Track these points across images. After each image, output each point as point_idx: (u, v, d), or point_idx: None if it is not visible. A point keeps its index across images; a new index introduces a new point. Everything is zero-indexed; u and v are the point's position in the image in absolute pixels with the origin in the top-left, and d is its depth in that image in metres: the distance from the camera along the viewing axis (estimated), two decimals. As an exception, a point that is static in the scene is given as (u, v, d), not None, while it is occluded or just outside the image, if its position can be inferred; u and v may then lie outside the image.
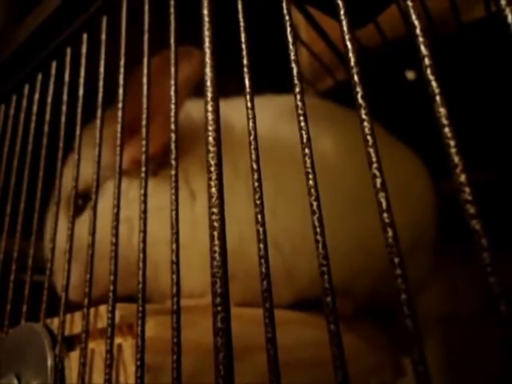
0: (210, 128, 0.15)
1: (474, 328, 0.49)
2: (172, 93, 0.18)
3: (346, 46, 0.12)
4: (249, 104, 0.15)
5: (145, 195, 0.17)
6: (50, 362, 0.18)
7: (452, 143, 0.10)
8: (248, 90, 0.15)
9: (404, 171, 0.38)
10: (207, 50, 0.17)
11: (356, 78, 0.12)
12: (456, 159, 0.09)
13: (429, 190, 0.41)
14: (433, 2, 0.34)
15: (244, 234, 0.30)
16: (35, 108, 0.28)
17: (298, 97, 0.13)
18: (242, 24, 0.16)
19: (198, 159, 0.32)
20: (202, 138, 0.32)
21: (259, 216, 0.13)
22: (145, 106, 0.19)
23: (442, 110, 0.10)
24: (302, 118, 0.13)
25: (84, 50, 0.25)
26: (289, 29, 0.14)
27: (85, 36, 0.25)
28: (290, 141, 0.33)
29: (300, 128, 0.13)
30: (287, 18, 0.14)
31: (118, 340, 0.18)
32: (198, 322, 0.22)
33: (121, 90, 0.21)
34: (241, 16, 0.16)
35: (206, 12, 0.17)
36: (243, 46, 0.16)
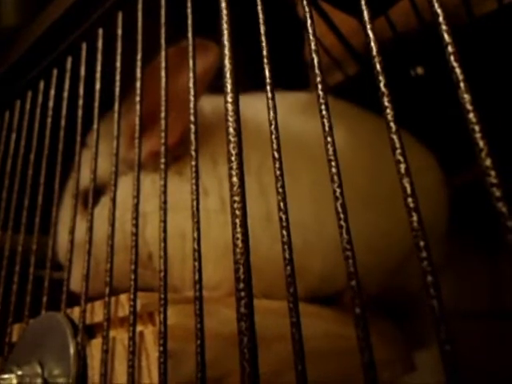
0: (231, 119, 0.15)
1: (482, 322, 0.49)
2: (191, 84, 0.18)
3: (367, 35, 0.13)
4: (269, 94, 0.15)
5: (165, 186, 0.18)
6: (72, 350, 0.19)
7: (477, 128, 0.10)
8: (268, 80, 0.15)
9: (414, 165, 0.38)
10: (226, 43, 0.17)
11: (378, 66, 0.12)
12: (481, 144, 0.10)
13: (440, 185, 0.41)
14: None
15: (254, 230, 0.30)
16: (51, 103, 0.28)
17: (320, 86, 0.13)
18: (261, 16, 0.16)
19: (209, 155, 0.32)
20: (213, 134, 0.33)
21: (281, 204, 0.13)
22: (163, 99, 0.20)
23: (467, 96, 0.10)
24: (323, 106, 0.13)
25: (100, 44, 0.25)
26: (309, 21, 0.14)
27: (100, 31, 0.26)
28: (302, 136, 0.34)
29: (322, 116, 0.13)
30: (307, 9, 0.15)
31: (139, 328, 0.19)
32: (215, 312, 0.22)
33: (138, 84, 0.22)
34: (260, 8, 0.16)
35: (224, 5, 0.17)
36: (262, 38, 0.16)
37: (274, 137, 0.14)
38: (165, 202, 0.18)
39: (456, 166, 0.44)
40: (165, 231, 0.17)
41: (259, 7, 0.16)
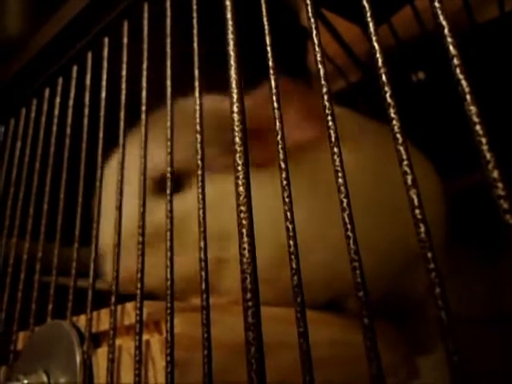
0: (237, 128, 0.15)
1: (484, 328, 0.49)
2: (197, 94, 0.18)
3: (373, 47, 0.13)
4: (275, 104, 0.15)
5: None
6: (78, 359, 0.19)
7: (484, 140, 0.10)
8: (274, 90, 0.15)
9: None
10: (232, 53, 0.17)
11: (384, 77, 0.12)
12: (488, 156, 0.10)
13: (438, 193, 0.41)
14: (445, 3, 0.35)
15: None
16: (56, 111, 0.28)
17: (326, 97, 0.13)
18: (266, 27, 0.16)
19: None
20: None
21: (288, 214, 0.13)
22: (168, 117, 0.20)
23: (473, 108, 0.10)
24: (329, 117, 0.13)
25: (105, 53, 0.26)
26: (314, 32, 0.15)
27: (106, 40, 0.26)
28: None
29: (328, 127, 0.13)
30: (313, 20, 0.15)
31: (145, 336, 0.19)
32: (220, 321, 0.22)
33: (144, 93, 0.22)
34: (265, 20, 0.16)
35: (229, 16, 0.18)
36: (268, 49, 0.16)
37: (280, 147, 0.14)
38: (171, 211, 0.18)
39: (455, 172, 0.44)
40: (171, 240, 0.17)
41: (264, 19, 0.16)
